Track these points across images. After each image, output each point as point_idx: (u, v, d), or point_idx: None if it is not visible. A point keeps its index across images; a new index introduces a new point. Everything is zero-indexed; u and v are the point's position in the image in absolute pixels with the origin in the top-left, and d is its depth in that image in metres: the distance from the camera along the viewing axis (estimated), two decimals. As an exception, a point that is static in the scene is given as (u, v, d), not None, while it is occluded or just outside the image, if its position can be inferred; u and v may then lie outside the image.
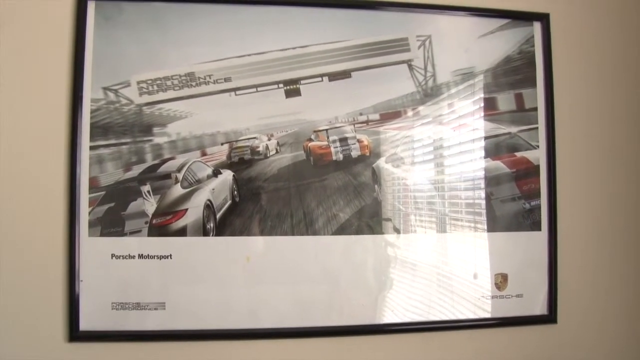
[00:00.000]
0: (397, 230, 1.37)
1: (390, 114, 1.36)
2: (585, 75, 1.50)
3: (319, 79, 1.33)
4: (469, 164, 1.41)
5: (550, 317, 1.43)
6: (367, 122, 1.35)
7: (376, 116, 1.35)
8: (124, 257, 1.24)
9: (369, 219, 1.33)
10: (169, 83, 1.27)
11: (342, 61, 1.34)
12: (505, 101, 1.43)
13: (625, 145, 1.52)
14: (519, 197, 1.42)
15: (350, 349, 1.34)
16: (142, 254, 1.24)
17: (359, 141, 1.35)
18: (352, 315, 1.33)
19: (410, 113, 1.37)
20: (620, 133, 1.52)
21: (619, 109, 1.52)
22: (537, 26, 1.46)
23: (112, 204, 1.24)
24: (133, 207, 1.25)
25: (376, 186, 1.35)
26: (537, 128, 1.44)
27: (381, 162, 1.35)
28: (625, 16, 1.54)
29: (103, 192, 1.24)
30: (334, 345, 1.33)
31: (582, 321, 1.47)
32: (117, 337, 1.23)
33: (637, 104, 1.54)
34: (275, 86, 1.31)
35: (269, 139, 1.32)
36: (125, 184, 1.25)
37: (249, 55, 1.30)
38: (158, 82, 1.27)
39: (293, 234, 1.29)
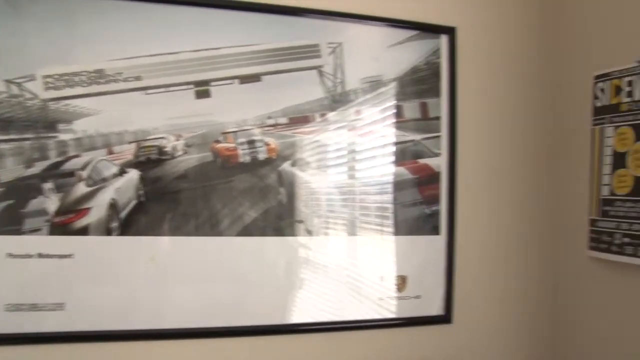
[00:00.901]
0: (309, 232, 2.00)
1: (299, 119, 2.01)
2: (488, 87, 2.21)
3: (230, 81, 1.92)
4: (376, 169, 1.98)
5: (446, 318, 2.05)
6: (275, 125, 1.97)
7: (285, 120, 1.99)
8: (21, 257, 1.63)
9: (277, 221, 1.96)
10: (76, 79, 1.80)
11: (253, 64, 1.93)
12: (410, 109, 2.13)
13: (523, 156, 2.27)
14: (420, 202, 2.13)
15: (257, 349, 1.81)
16: (41, 253, 1.64)
17: (266, 144, 1.96)
18: (260, 315, 1.82)
19: (318, 118, 2.04)
20: (519, 144, 2.27)
21: (518, 121, 2.27)
22: (444, 39, 2.14)
23: (11, 201, 1.73)
24: (33, 204, 1.70)
25: (281, 189, 1.98)
26: (439, 136, 2.15)
27: (287, 166, 2.00)
28: (526, 32, 2.27)
29: (2, 189, 1.64)
30: (241, 345, 1.80)
31: (476, 321, 2.08)
32: (12, 340, 1.62)
33: (536, 116, 2.33)
34: (186, 87, 1.88)
35: (177, 140, 1.90)
36: (26, 180, 1.70)
37: (161, 54, 1.84)
38: (65, 77, 1.79)
39: (198, 235, 1.83)
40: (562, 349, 2.13)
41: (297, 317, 1.87)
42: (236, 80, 1.78)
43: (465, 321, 2.06)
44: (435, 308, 2.03)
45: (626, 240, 1.83)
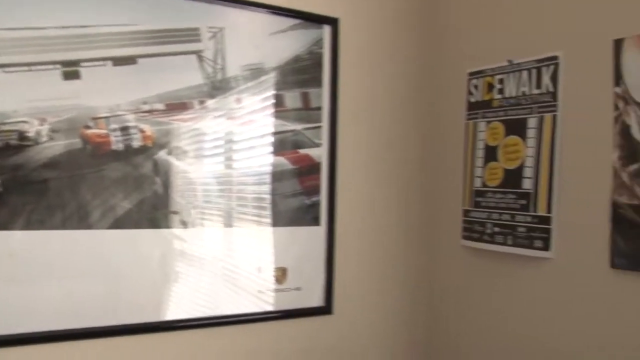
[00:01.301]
0: (184, 224, 2.08)
1: (177, 105, 2.06)
2: (368, 79, 2.40)
3: (102, 62, 1.93)
4: (255, 159, 2.13)
5: (326, 309, 2.24)
6: (151, 111, 2.02)
7: (161, 106, 2.03)
8: None
9: (152, 212, 2.02)
10: None
11: (129, 46, 1.95)
12: (292, 99, 2.26)
13: (401, 147, 2.51)
14: (300, 192, 2.27)
15: (132, 349, 1.86)
16: None
17: (141, 131, 2.00)
18: (134, 312, 1.86)
19: (197, 105, 2.10)
20: (398, 135, 2.52)
21: (397, 114, 2.50)
22: (326, 29, 2.30)
23: None
24: None
25: (157, 178, 2.04)
26: (320, 127, 2.32)
27: (163, 154, 2.05)
28: (405, 28, 2.48)
29: None
30: (114, 345, 1.84)
31: (355, 311, 2.29)
32: None
33: (413, 109, 2.57)
34: (52, 66, 1.85)
35: (41, 124, 1.87)
36: None
37: (23, 29, 1.84)
38: None
39: (65, 228, 1.86)
40: (438, 335, 2.40)
41: (173, 313, 1.94)
42: (109, 62, 1.81)
43: (345, 312, 2.25)
44: (315, 299, 2.19)
45: (497, 229, 2.08)
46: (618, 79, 1.78)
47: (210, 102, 1.96)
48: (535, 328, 1.99)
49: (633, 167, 1.73)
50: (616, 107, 1.78)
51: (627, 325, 1.76)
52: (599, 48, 1.83)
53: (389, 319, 2.36)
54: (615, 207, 1.77)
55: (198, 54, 1.94)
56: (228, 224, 2.03)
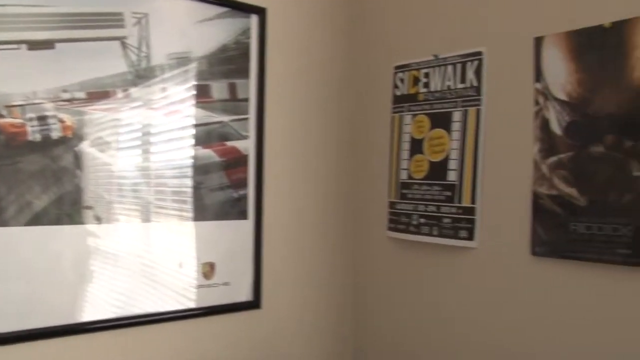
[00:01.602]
0: (99, 219, 2.01)
1: (99, 94, 1.98)
2: (296, 71, 2.42)
3: (16, 46, 1.83)
4: (179, 151, 2.05)
5: (255, 303, 2.23)
6: (71, 100, 1.94)
7: (82, 94, 1.95)
8: None
9: (72, 207, 1.93)
10: None
11: (45, 29, 1.84)
12: (219, 90, 2.24)
13: (328, 140, 2.55)
14: (227, 186, 2.26)
15: (45, 354, 1.78)
16: None
17: (60, 121, 1.90)
18: (49, 315, 1.77)
19: (120, 94, 2.03)
20: (326, 127, 2.56)
21: (324, 106, 2.53)
22: (254, 19, 2.29)
23: None
24: None
25: (78, 171, 1.96)
26: (247, 118, 2.32)
27: (85, 146, 1.98)
28: (333, 21, 2.55)
29: None
30: (25, 352, 1.74)
31: (284, 305, 2.30)
32: None
33: (341, 102, 2.62)
34: (-43, 49, 1.77)
35: (-53, 112, 1.77)
36: None
37: None
38: None
39: (-26, 225, 1.77)
40: (365, 326, 2.45)
41: (89, 314, 1.86)
42: (23, 46, 1.72)
43: (274, 306, 2.25)
44: (244, 294, 2.19)
45: (422, 220, 2.15)
46: (538, 75, 1.88)
47: (134, 91, 1.91)
48: (461, 316, 2.08)
49: (552, 160, 1.84)
50: (536, 102, 1.88)
51: (546, 309, 1.88)
52: (520, 45, 1.92)
53: (317, 312, 2.39)
54: (536, 197, 1.87)
55: (121, 40, 1.89)
56: (146, 218, 1.97)
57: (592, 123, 1.74)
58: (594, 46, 1.75)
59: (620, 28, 1.70)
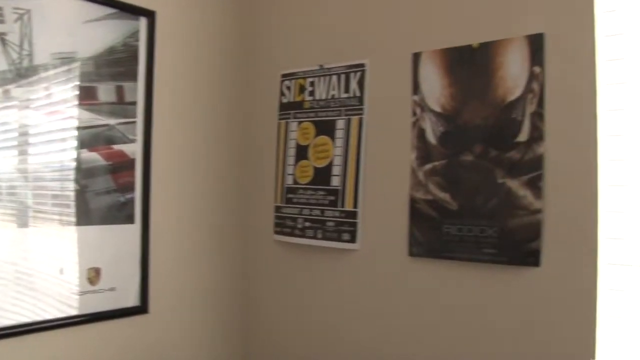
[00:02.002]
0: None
1: (-24, 92, 1.91)
2: (185, 74, 2.43)
3: None
4: (61, 153, 1.94)
5: (142, 308, 2.20)
6: (-54, 98, 1.85)
7: (-42, 93, 1.87)
8: None
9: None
10: None
11: None
12: (105, 92, 2.20)
13: (216, 145, 2.58)
14: (114, 190, 2.22)
15: None
16: None
17: None
18: None
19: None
20: (214, 132, 2.58)
21: (213, 112, 2.55)
22: (143, 21, 2.28)
23: None
24: None
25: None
26: (135, 122, 2.30)
27: None
28: (223, 29, 2.59)
29: None
30: None
31: (172, 309, 2.30)
32: None
33: (230, 108, 2.65)
34: None
35: None
36: None
37: None
38: None
39: None
40: (255, 327, 2.52)
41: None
42: None
43: (161, 310, 2.24)
44: (131, 299, 2.16)
45: (307, 224, 2.24)
46: (416, 88, 2.03)
47: (14, 90, 1.84)
48: (346, 315, 2.20)
49: (427, 167, 1.99)
50: (414, 113, 2.03)
51: (423, 305, 2.03)
52: (400, 59, 2.06)
53: (205, 315, 2.41)
54: (413, 202, 2.02)
55: (1, 37, 1.81)
56: (23, 223, 1.88)
57: (463, 133, 1.90)
58: (464, 64, 1.91)
59: (486, 49, 1.87)
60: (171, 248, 2.26)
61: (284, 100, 2.36)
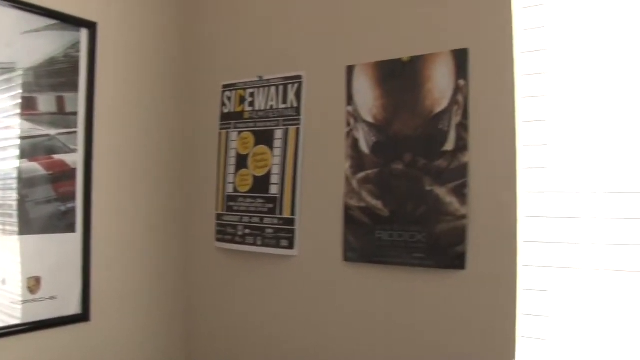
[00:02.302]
0: None
1: None
2: (127, 85, 2.44)
3: None
4: (1, 163, 1.97)
5: (84, 316, 2.20)
6: None
7: None
8: None
9: None
10: None
11: None
12: (46, 102, 2.21)
13: (158, 155, 2.58)
14: (55, 199, 2.24)
15: None
16: None
17: None
18: None
19: None
20: (156, 142, 2.62)
21: (154, 122, 2.58)
22: (84, 33, 2.29)
23: None
24: None
25: None
26: (76, 132, 2.33)
27: None
28: (165, 40, 2.64)
29: None
30: None
31: (114, 317, 2.29)
32: None
33: (171, 118, 2.68)
34: None
35: None
36: None
37: None
38: None
39: None
40: (197, 334, 2.58)
41: None
42: None
43: (103, 318, 2.26)
44: (72, 307, 2.18)
45: (247, 231, 2.30)
46: (350, 99, 2.12)
47: (-48, 101, 1.84)
48: (285, 319, 2.28)
49: (361, 175, 2.08)
50: (348, 124, 2.11)
51: (358, 309, 2.12)
52: (334, 71, 2.15)
53: (147, 322, 2.44)
54: (347, 209, 2.10)
55: (-62, 48, 1.82)
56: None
57: (394, 143, 1.99)
58: (395, 76, 2.01)
59: (415, 62, 1.97)
60: (113, 256, 2.28)
61: (225, 111, 2.42)
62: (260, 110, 2.31)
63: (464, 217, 1.85)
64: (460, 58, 1.89)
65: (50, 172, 2.08)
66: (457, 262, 1.85)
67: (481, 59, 1.87)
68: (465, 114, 1.87)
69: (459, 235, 1.85)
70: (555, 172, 1.81)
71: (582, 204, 1.76)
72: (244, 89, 2.36)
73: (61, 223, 2.11)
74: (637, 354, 1.66)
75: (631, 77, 1.71)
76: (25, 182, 2.04)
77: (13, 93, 2.00)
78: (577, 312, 1.75)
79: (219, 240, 2.40)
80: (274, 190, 2.23)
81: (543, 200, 1.82)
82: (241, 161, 2.33)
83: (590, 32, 1.78)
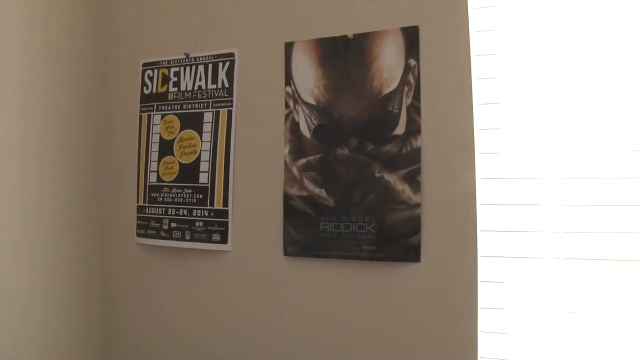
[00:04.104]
0: None
1: None
2: (32, 64, 1.95)
3: None
4: None
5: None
6: None
7: None
8: None
9: None
10: None
11: None
12: None
13: (72, 139, 2.17)
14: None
15: None
16: None
17: None
18: None
19: None
20: (67, 126, 2.16)
21: (64, 105, 2.13)
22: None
23: None
24: None
25: None
26: None
27: None
28: (77, 5, 2.24)
29: None
30: None
31: (22, 322, 1.91)
32: None
33: (84, 100, 2.25)
34: None
35: None
36: None
37: None
38: None
39: None
40: (115, 337, 2.26)
41: None
42: None
43: (10, 323, 1.93)
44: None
45: (174, 225, 2.01)
46: (289, 79, 1.88)
47: None
48: (217, 320, 2.03)
49: (302, 162, 1.85)
50: (287, 105, 1.87)
51: (300, 307, 1.91)
52: (271, 49, 1.93)
53: (61, 326, 2.11)
54: (287, 198, 1.87)
55: None
56: None
57: (338, 127, 1.79)
58: (339, 55, 1.80)
59: (361, 40, 1.78)
60: (19, 257, 1.96)
61: (146, 92, 2.11)
62: (186, 91, 2.02)
63: (417, 205, 1.67)
64: (411, 36, 1.72)
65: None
66: (411, 254, 1.68)
67: (433, 37, 1.72)
68: (417, 96, 1.70)
69: (413, 225, 1.68)
70: (510, 157, 1.70)
71: (539, 191, 1.66)
72: (168, 68, 2.06)
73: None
74: (602, 345, 1.58)
75: (590, 59, 1.63)
76: None
77: None
78: (536, 304, 1.66)
79: (140, 235, 2.09)
80: (203, 179, 1.96)
81: (497, 187, 1.70)
82: (165, 147, 2.04)
83: (548, 11, 1.68)
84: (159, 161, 2.10)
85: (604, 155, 1.59)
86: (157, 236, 2.09)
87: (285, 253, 1.89)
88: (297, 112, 1.88)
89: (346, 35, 1.83)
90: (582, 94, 1.63)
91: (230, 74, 1.99)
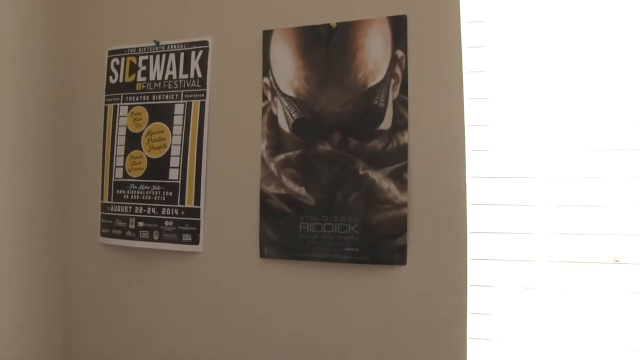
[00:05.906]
0: None
1: None
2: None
3: None
4: None
5: None
6: None
7: None
8: None
9: None
10: None
11: None
12: None
13: (31, 132, 1.97)
14: None
15: None
16: None
17: None
18: None
19: None
20: (26, 118, 1.96)
21: (25, 90, 1.95)
22: None
23: None
24: None
25: None
26: None
27: None
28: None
29: None
30: None
31: None
32: None
33: (44, 90, 2.05)
34: None
35: None
36: None
37: None
38: None
39: None
40: (76, 341, 2.07)
41: None
42: None
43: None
44: None
45: (141, 224, 1.84)
46: (267, 69, 1.74)
47: None
48: (189, 327, 1.88)
49: (280, 158, 1.71)
50: (265, 98, 1.73)
51: (276, 312, 1.77)
52: (249, 37, 1.80)
53: (19, 334, 1.92)
54: (264, 197, 1.72)
55: None
56: None
57: (319, 121, 1.66)
58: (322, 44, 1.68)
59: (345, 29, 1.66)
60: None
61: (112, 81, 1.93)
62: (156, 81, 1.86)
63: (403, 205, 1.55)
64: (398, 26, 1.60)
65: None
66: (396, 256, 1.56)
67: (422, 27, 1.61)
68: (404, 89, 1.56)
69: (399, 226, 1.56)
70: (502, 155, 1.60)
71: (532, 190, 1.57)
72: (136, 56, 1.89)
73: None
74: (593, 350, 1.49)
75: (587, 56, 1.54)
76: None
77: None
78: (529, 308, 1.56)
79: (104, 235, 1.91)
80: (173, 175, 1.79)
81: (488, 187, 1.60)
82: (133, 141, 1.87)
83: (541, 2, 1.58)
84: (125, 156, 1.93)
85: (600, 154, 1.50)
86: (123, 236, 1.91)
87: (262, 255, 1.75)
88: (276, 105, 1.74)
89: (329, 24, 1.68)
90: (579, 91, 1.55)
91: (203, 64, 1.84)
